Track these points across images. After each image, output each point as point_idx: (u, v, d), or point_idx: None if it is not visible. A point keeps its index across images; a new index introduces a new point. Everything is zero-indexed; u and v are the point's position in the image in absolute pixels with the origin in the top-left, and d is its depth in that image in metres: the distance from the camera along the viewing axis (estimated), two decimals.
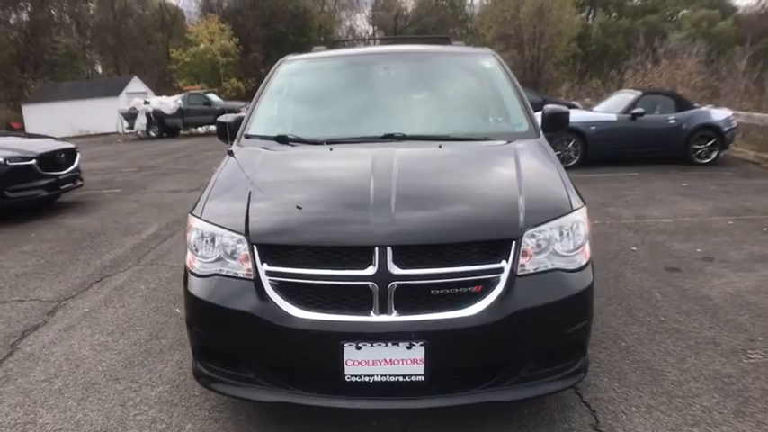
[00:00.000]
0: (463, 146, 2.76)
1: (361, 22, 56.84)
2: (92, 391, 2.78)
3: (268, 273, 2.05)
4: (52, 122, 24.95)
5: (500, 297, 1.98)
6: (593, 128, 8.69)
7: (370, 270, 1.95)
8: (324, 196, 2.35)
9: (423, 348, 1.93)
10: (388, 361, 1.94)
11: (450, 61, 3.54)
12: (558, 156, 8.34)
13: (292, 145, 2.87)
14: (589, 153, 8.70)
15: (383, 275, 1.95)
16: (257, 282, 2.05)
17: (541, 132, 2.98)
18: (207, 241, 2.21)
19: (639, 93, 9.12)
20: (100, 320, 3.62)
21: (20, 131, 24.17)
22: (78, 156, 7.67)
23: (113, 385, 2.81)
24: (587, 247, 2.21)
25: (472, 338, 1.97)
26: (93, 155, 14.51)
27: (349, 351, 1.94)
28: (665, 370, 2.72)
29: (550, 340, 2.10)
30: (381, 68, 3.44)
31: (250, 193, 2.31)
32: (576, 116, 9.07)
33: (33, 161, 6.68)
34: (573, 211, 2.20)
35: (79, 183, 7.62)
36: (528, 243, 2.07)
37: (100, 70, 43.51)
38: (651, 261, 4.31)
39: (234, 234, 2.14)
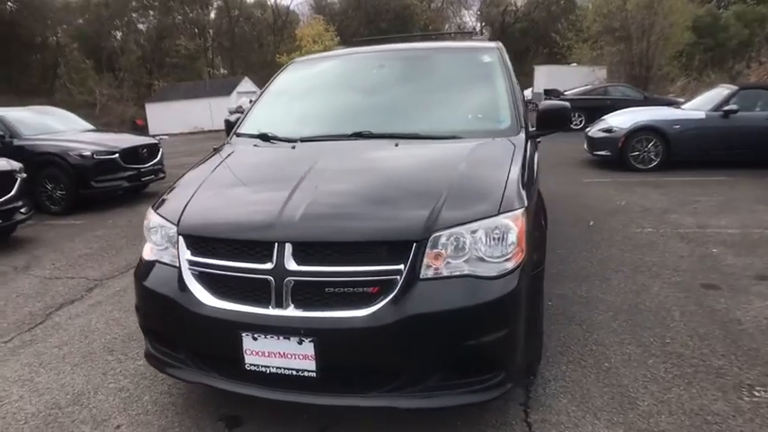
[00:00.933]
0: (422, 145, 2.70)
1: (469, 19, 56.20)
2: (87, 359, 3.09)
3: (189, 262, 2.18)
4: (170, 119, 27.64)
5: (393, 300, 1.92)
6: (677, 127, 7.85)
7: (269, 265, 2.00)
8: (250, 193, 2.46)
9: (312, 345, 1.93)
10: (281, 354, 1.97)
11: (448, 58, 3.45)
12: (637, 157, 7.94)
13: (272, 143, 2.97)
14: (672, 154, 7.88)
15: (280, 271, 1.98)
16: (180, 270, 2.18)
17: (524, 130, 2.80)
18: (155, 231, 2.38)
19: (735, 88, 8.07)
20: (124, 300, 3.98)
21: (142, 128, 27.05)
22: (161, 151, 8.44)
23: (106, 356, 3.11)
24: (519, 253, 2.05)
25: (363, 340, 1.93)
26: (194, 150, 15.81)
27: (247, 341, 2.00)
28: (639, 398, 2.43)
29: (456, 350, 1.97)
30: (375, 67, 3.43)
31: (198, 188, 2.45)
32: (658, 114, 8.31)
33: (116, 155, 7.44)
34: (498, 214, 2.05)
35: (161, 175, 8.37)
36: (440, 245, 1.98)
37: (217, 71, 47.23)
38: (690, 275, 3.84)
39: (171, 225, 2.28)
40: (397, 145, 2.64)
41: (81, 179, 7.19)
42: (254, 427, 2.37)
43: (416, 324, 1.91)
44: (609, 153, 8.37)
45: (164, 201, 2.52)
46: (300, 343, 1.94)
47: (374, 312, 1.92)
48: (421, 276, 1.95)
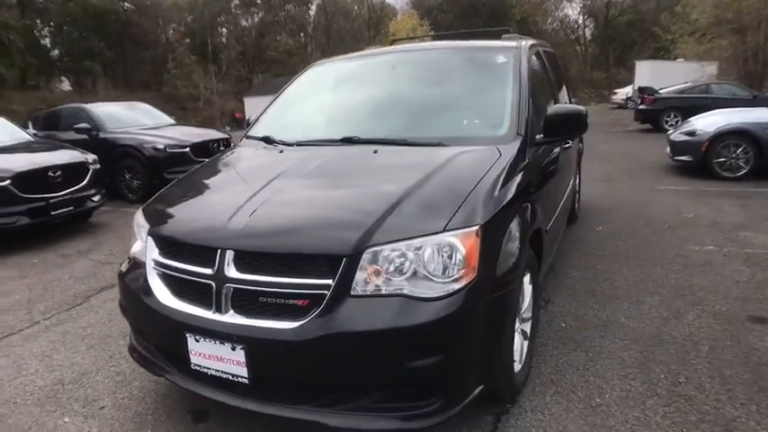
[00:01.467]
0: (402, 153, 2.61)
1: (571, 12, 53.52)
2: (102, 342, 3.33)
3: (153, 261, 2.27)
4: None
5: (319, 315, 1.87)
6: None
7: (210, 270, 2.03)
8: (218, 197, 2.51)
9: (243, 352, 1.93)
10: (218, 357, 2.00)
11: (461, 58, 3.30)
12: (723, 164, 7.16)
13: (274, 146, 3.00)
14: (765, 162, 7.00)
15: (220, 276, 2.01)
16: (146, 268, 2.27)
17: (521, 138, 2.61)
18: (137, 229, 2.51)
19: None
20: None
21: (240, 120, 28.65)
22: (233, 144, 8.87)
23: (119, 340, 3.32)
24: (467, 274, 1.92)
25: (290, 352, 1.89)
26: None
27: (191, 342, 2.06)
28: None
29: (386, 372, 1.88)
30: (387, 69, 3.36)
31: (181, 189, 2.55)
32: (752, 116, 7.40)
33: (187, 149, 7.93)
34: (444, 231, 1.93)
35: None
36: (380, 261, 1.90)
37: None
38: (739, 305, 3.38)
39: (146, 224, 2.40)
40: (375, 152, 2.58)
41: (154, 170, 7.74)
42: (217, 424, 2.43)
43: (341, 341, 1.85)
44: (690, 158, 7.60)
45: (151, 201, 2.65)
46: (233, 349, 1.95)
47: (301, 326, 1.88)
48: (352, 293, 1.88)
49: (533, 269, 2.61)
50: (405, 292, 1.89)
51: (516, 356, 2.44)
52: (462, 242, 1.94)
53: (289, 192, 2.31)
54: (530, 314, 2.67)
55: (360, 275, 1.89)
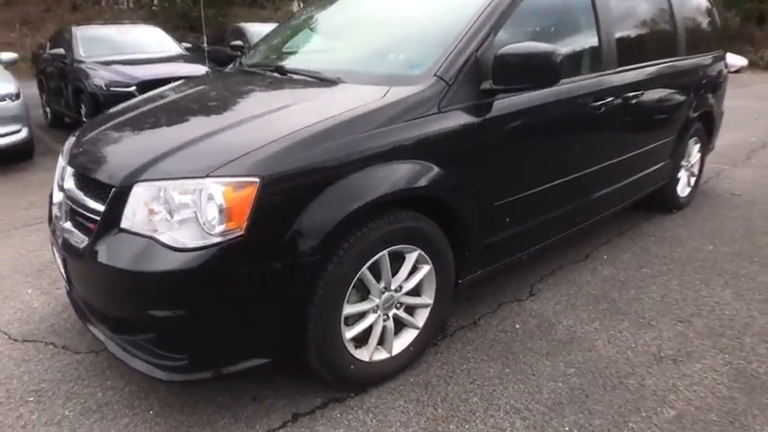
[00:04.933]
0: (292, 87, 2.40)
1: None
2: None
3: None
4: None
5: (92, 242, 1.85)
6: None
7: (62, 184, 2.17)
8: (104, 120, 2.52)
9: (62, 263, 2.09)
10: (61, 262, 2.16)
11: None
12: None
13: (245, 71, 2.91)
14: None
15: (63, 190, 2.13)
16: None
17: (439, 81, 2.08)
18: None
19: None
20: None
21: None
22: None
23: None
24: (232, 229, 1.66)
25: (74, 270, 2.00)
26: None
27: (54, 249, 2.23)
28: None
29: (138, 315, 1.79)
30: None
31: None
32: None
33: (133, 88, 6.22)
34: (206, 177, 1.69)
35: None
36: (151, 198, 1.75)
37: None
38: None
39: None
40: (270, 83, 2.39)
41: (97, 109, 6.05)
42: None
43: (99, 271, 1.81)
44: None
45: None
46: (63, 259, 2.07)
47: (82, 247, 1.89)
48: (121, 226, 1.79)
49: (432, 247, 2.11)
50: (157, 236, 1.71)
51: (373, 342, 2.08)
52: (225, 192, 1.66)
53: (148, 118, 2.29)
54: (427, 300, 2.21)
55: (128, 210, 1.78)
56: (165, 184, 1.73)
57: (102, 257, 1.78)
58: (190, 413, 2.03)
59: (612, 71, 2.87)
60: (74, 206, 2.03)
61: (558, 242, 2.93)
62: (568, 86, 2.58)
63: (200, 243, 1.66)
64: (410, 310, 2.22)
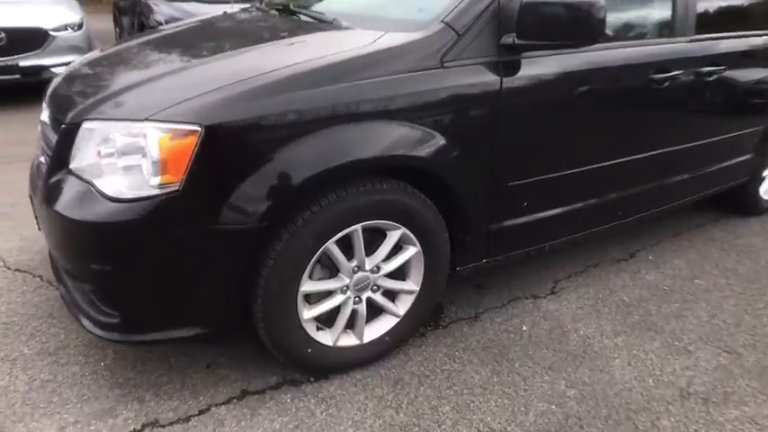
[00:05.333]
0: (296, 25, 2.20)
1: None
2: None
3: None
4: None
5: (46, 178, 1.69)
6: None
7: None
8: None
9: None
10: None
11: None
12: None
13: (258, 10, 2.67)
14: None
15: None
16: None
17: (447, 29, 1.74)
18: None
19: None
20: None
21: None
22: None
23: None
24: (170, 181, 1.46)
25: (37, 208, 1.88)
26: None
27: None
28: None
29: (77, 265, 1.65)
30: None
31: None
32: None
33: None
34: (146, 120, 1.48)
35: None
36: (99, 138, 1.57)
37: None
38: None
39: None
40: (263, 24, 2.14)
41: None
42: None
43: (46, 214, 1.66)
44: None
45: None
46: (29, 196, 2.02)
47: (39, 185, 1.76)
48: (70, 167, 1.62)
49: (421, 227, 1.81)
50: (96, 181, 1.54)
51: (339, 326, 1.84)
52: (161, 141, 1.44)
53: (117, 58, 2.13)
54: (411, 287, 1.93)
55: (75, 150, 1.61)
56: (108, 126, 1.54)
57: (48, 198, 1.64)
58: (140, 370, 1.90)
59: (687, 39, 2.33)
60: (44, 143, 1.91)
61: (596, 236, 2.52)
62: (623, 52, 2.12)
63: (136, 194, 1.47)
64: (391, 295, 1.95)
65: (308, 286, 1.71)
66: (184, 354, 1.99)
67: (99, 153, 1.54)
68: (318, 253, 1.67)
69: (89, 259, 1.56)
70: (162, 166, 1.44)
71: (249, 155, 1.49)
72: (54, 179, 1.64)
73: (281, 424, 1.70)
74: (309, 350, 1.80)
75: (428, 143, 1.73)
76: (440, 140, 1.74)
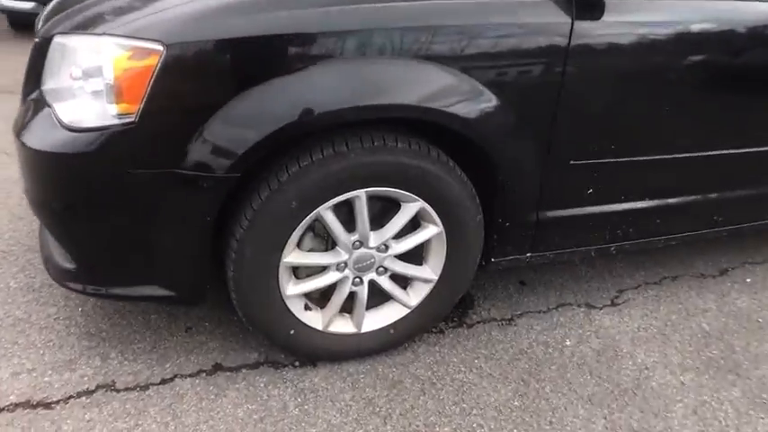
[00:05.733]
0: None
1: None
2: None
3: None
4: None
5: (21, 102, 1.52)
6: None
7: None
8: None
9: None
10: None
11: None
12: None
13: None
14: None
15: None
16: None
17: None
18: None
19: None
20: None
21: None
22: None
23: None
24: (129, 107, 1.19)
25: None
26: None
27: None
28: None
29: (33, 197, 1.42)
30: None
31: None
32: None
33: None
34: (102, 35, 1.22)
35: None
36: (69, 58, 1.32)
37: None
38: None
39: None
40: None
41: None
42: None
43: (16, 143, 1.43)
44: None
45: None
46: None
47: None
48: (42, 87, 1.40)
49: (445, 203, 1.45)
50: (55, 105, 1.31)
51: (332, 308, 1.55)
52: (117, 61, 1.18)
53: None
54: (428, 274, 1.59)
55: (46, 69, 1.39)
56: (73, 42, 1.29)
57: (15, 124, 1.43)
58: (114, 323, 1.71)
59: None
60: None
61: (680, 242, 2.02)
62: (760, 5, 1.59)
63: (93, 125, 1.22)
64: (403, 281, 1.61)
65: (294, 257, 1.41)
66: (168, 312, 1.78)
67: (71, 75, 1.30)
68: (308, 219, 1.36)
69: (43, 195, 1.35)
70: (117, 92, 1.17)
71: (222, 85, 1.19)
72: (27, 99, 1.44)
73: (245, 412, 1.45)
74: (292, 332, 1.51)
75: (475, 100, 1.35)
76: (489, 98, 1.35)
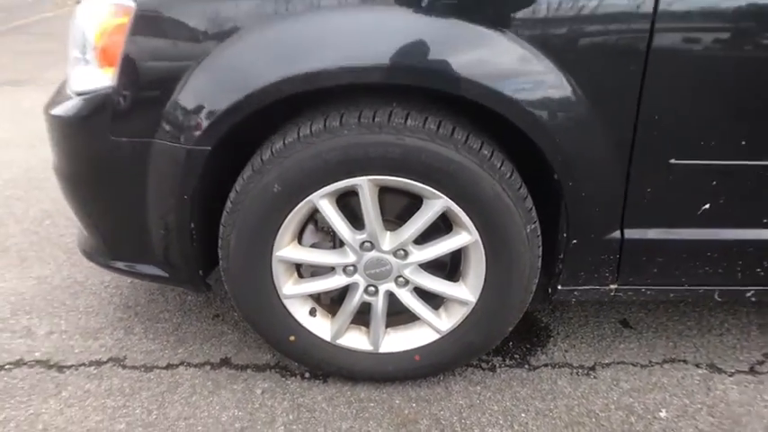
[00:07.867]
0: None
1: None
2: None
3: None
4: None
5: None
6: None
7: None
8: None
9: None
10: None
11: None
12: None
13: None
14: None
15: None
16: None
17: None
18: None
19: None
20: None
21: None
22: None
23: None
24: (103, 69, 1.13)
25: None
26: None
27: None
28: None
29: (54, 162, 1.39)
30: None
31: None
32: None
33: None
34: None
35: None
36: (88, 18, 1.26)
37: None
38: None
39: None
40: None
41: None
42: None
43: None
44: None
45: None
46: None
47: None
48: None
49: (482, 205, 1.12)
50: (69, 70, 1.27)
51: (342, 317, 1.32)
52: (98, 18, 1.11)
53: None
54: (463, 294, 1.26)
55: (72, 36, 1.35)
56: (79, 7, 1.23)
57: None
58: (153, 299, 1.70)
59: None
60: None
61: None
62: None
63: (81, 89, 1.17)
64: (434, 298, 1.31)
65: (289, 252, 1.21)
66: (206, 296, 1.72)
67: (74, 39, 1.27)
68: (302, 208, 1.15)
69: (54, 160, 1.35)
70: (100, 55, 1.11)
71: (195, 45, 1.03)
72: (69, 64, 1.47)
73: (228, 418, 1.29)
74: (292, 338, 1.31)
75: (543, 83, 1.02)
76: (561, 81, 1.02)
